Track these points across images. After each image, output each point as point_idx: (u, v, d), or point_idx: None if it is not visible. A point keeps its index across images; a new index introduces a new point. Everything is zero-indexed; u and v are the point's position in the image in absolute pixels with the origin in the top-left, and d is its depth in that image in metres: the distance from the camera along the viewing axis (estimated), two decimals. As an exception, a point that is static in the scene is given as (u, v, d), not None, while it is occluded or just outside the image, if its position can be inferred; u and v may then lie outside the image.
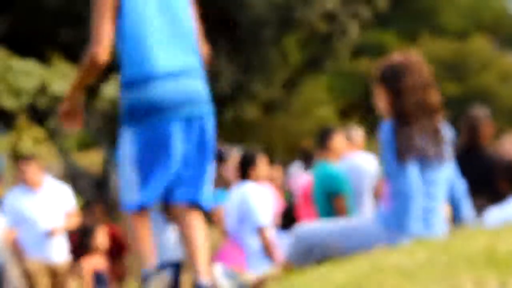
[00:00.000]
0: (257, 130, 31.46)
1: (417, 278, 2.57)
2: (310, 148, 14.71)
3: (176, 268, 4.11)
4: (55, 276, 8.35)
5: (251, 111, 23.58)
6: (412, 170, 4.24)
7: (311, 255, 4.54)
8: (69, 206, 8.72)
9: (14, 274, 8.00)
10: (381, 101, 4.53)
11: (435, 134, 4.37)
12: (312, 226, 4.88)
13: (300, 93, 26.96)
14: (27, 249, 8.23)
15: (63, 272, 8.03)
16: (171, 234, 8.38)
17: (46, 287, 8.33)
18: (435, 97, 4.44)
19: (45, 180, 8.58)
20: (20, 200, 8.34)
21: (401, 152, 4.24)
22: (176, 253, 7.99)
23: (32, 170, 8.38)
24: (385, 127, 4.35)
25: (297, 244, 4.65)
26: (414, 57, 4.53)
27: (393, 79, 4.41)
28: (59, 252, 8.11)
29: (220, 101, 21.68)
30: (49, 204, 8.45)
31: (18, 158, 10.29)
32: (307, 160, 10.02)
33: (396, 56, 4.56)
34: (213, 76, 20.10)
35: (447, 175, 4.46)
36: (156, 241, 7.76)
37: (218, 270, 4.63)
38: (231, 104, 22.25)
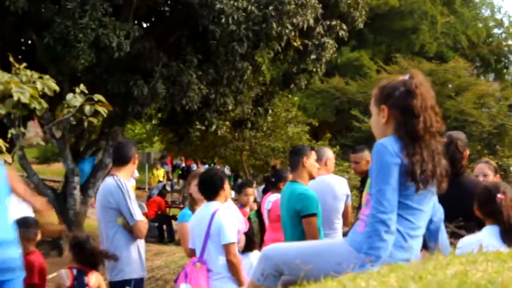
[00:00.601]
0: (225, 147, 31.55)
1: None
2: (279, 167, 14.67)
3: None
4: None
5: (220, 127, 23.56)
6: (405, 195, 4.22)
7: (278, 275, 4.49)
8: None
9: None
10: (379, 122, 4.43)
11: (440, 157, 4.39)
12: (280, 246, 4.82)
13: (271, 110, 27.02)
14: None
15: None
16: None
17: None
18: (439, 119, 4.44)
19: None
20: None
21: (414, 175, 4.19)
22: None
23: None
24: (385, 148, 4.25)
25: (264, 264, 4.58)
26: (421, 77, 4.48)
27: (405, 99, 4.35)
28: None
29: (189, 115, 21.70)
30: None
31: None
32: (277, 179, 9.94)
33: (402, 76, 4.51)
34: (182, 89, 20.18)
35: (434, 200, 4.45)
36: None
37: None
38: (200, 119, 22.20)
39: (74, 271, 7.35)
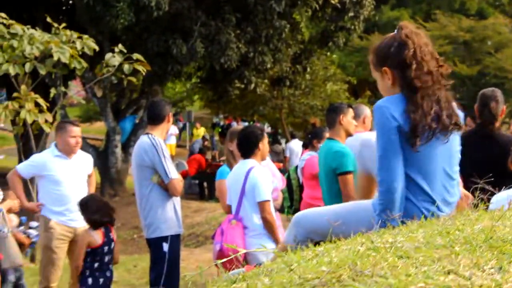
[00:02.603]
0: (264, 105, 31.54)
1: (413, 258, 2.55)
2: (318, 124, 14.70)
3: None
4: (73, 242, 8.41)
5: (258, 85, 23.55)
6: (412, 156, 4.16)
7: (310, 242, 4.53)
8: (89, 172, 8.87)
9: (13, 247, 8.07)
10: (386, 86, 4.35)
11: (448, 103, 4.24)
12: (311, 213, 4.83)
13: (309, 68, 26.93)
14: (53, 213, 8.29)
15: (78, 238, 8.03)
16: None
17: (65, 252, 8.43)
18: (442, 64, 4.31)
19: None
20: (54, 164, 8.36)
21: (415, 130, 4.10)
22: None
23: (76, 139, 8.45)
24: (381, 111, 4.16)
25: (296, 230, 4.65)
26: (411, 26, 4.41)
27: (400, 52, 4.23)
28: (80, 218, 8.12)
29: (227, 73, 21.75)
30: (79, 171, 8.53)
31: (22, 126, 10.26)
32: (312, 137, 9.98)
33: (389, 34, 4.45)
34: (220, 47, 20.27)
35: (457, 147, 4.38)
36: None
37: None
38: (239, 77, 22.22)
39: (103, 229, 7.60)
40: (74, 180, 8.41)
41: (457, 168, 4.40)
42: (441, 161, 4.27)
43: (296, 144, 23.04)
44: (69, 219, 8.34)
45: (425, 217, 3.99)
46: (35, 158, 8.57)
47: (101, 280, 7.58)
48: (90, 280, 7.53)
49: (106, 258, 7.65)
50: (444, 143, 4.23)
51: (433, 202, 4.21)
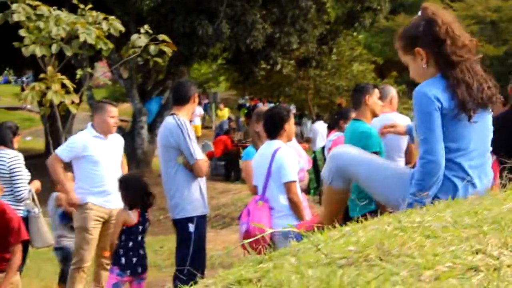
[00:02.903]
0: (290, 86, 31.50)
1: (441, 238, 2.54)
2: (344, 105, 14.66)
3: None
4: (105, 223, 8.46)
5: (284, 66, 23.51)
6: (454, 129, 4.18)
7: (342, 176, 4.66)
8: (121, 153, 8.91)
9: (44, 226, 8.12)
10: (420, 68, 4.33)
11: (485, 76, 4.28)
12: (347, 152, 4.93)
13: (335, 49, 26.84)
14: (90, 194, 8.32)
15: (115, 217, 8.07)
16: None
17: (99, 233, 8.47)
18: (471, 39, 4.32)
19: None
20: (93, 144, 8.39)
21: (463, 104, 4.11)
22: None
23: (115, 119, 8.50)
24: (422, 95, 4.17)
25: (330, 166, 4.83)
26: (434, 5, 4.41)
27: (431, 30, 4.24)
28: (116, 198, 8.14)
29: (253, 54, 21.73)
30: (115, 151, 8.57)
31: (49, 106, 10.28)
32: (339, 117, 9.96)
33: (415, 17, 4.45)
34: (246, 28, 20.22)
35: (490, 126, 4.39)
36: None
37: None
38: (264, 58, 22.19)
39: (139, 209, 7.64)
40: (111, 160, 8.44)
41: (490, 147, 4.40)
42: (477, 139, 4.28)
43: (320, 126, 22.99)
44: (106, 200, 8.37)
45: (462, 193, 4.11)
46: (74, 139, 8.56)
47: (134, 259, 7.62)
48: (123, 259, 7.57)
49: (140, 238, 7.69)
50: (483, 120, 4.25)
51: (469, 178, 4.22)
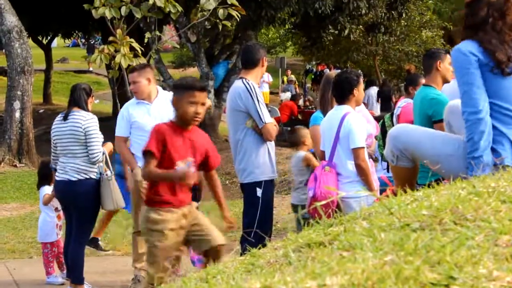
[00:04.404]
0: (358, 51, 31.26)
1: (516, 203, 2.49)
2: (413, 71, 14.50)
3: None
4: None
5: (353, 31, 23.34)
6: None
7: (405, 156, 4.76)
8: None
9: (116, 189, 8.15)
10: None
11: None
12: (406, 129, 5.08)
13: (405, 14, 26.55)
14: (140, 160, 8.34)
15: None
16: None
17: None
18: None
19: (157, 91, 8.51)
20: (135, 111, 8.32)
21: (501, 61, 4.37)
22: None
23: (144, 83, 8.33)
24: (458, 52, 4.53)
25: (392, 145, 5.00)
26: None
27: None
28: None
29: (322, 19, 21.59)
30: (162, 114, 8.44)
31: (118, 69, 10.38)
32: (408, 83, 9.84)
33: None
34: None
35: None
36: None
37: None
38: (332, 23, 22.04)
39: None
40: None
41: None
42: None
43: (373, 91, 22.76)
44: None
45: None
46: (121, 111, 8.54)
47: None
48: None
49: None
50: None
51: None
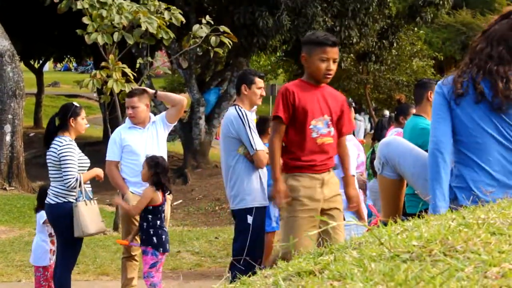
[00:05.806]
0: (349, 80, 31.37)
1: (506, 235, 2.50)
2: (404, 101, 14.56)
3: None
4: None
5: (344, 60, 23.44)
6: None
7: (390, 165, 4.81)
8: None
9: (85, 215, 8.09)
10: None
11: None
12: (396, 144, 5.12)
13: (396, 43, 26.68)
14: (131, 184, 8.32)
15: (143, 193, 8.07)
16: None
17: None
18: None
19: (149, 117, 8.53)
20: (128, 135, 8.35)
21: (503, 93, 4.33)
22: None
23: (143, 108, 8.36)
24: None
25: (380, 153, 5.09)
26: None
27: None
28: None
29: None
30: (155, 139, 8.48)
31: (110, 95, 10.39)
32: (398, 112, 9.89)
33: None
34: (307, 21, 20.23)
35: None
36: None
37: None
38: (324, 51, 22.16)
39: (162, 192, 7.74)
40: (148, 150, 8.36)
41: None
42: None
43: (361, 118, 22.85)
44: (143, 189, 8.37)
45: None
46: (112, 136, 8.56)
47: (163, 237, 7.70)
48: (155, 239, 7.64)
49: (163, 217, 7.81)
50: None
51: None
